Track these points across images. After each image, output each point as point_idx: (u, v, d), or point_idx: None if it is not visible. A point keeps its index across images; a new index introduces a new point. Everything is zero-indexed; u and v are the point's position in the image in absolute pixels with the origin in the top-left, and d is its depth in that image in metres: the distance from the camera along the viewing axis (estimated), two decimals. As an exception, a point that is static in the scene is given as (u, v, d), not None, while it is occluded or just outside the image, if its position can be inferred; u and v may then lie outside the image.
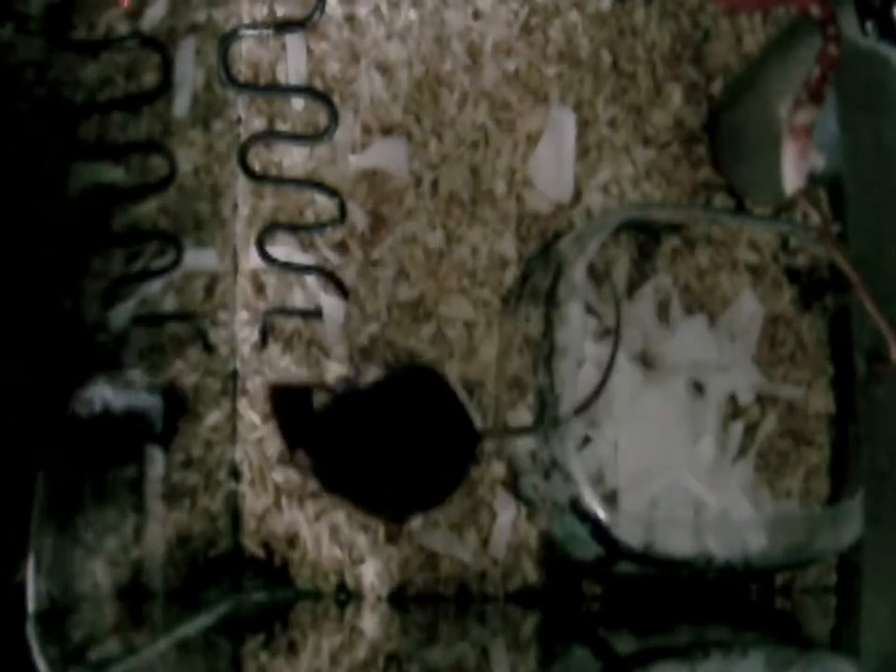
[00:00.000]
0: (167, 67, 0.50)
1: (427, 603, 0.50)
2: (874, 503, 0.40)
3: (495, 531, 0.50)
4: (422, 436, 0.48)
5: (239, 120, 0.52)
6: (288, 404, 0.49)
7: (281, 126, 0.52)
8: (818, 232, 0.47)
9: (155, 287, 0.49)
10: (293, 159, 0.52)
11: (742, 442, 0.50)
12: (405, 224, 0.51)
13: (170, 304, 0.50)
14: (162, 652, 0.42)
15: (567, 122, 0.52)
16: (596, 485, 0.46)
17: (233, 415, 0.51)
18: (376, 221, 0.52)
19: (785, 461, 0.52)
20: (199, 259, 0.50)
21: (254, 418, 0.51)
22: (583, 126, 0.53)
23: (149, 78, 0.50)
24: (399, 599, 0.50)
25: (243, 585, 0.50)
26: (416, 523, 0.50)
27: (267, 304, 0.51)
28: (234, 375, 0.51)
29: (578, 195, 0.53)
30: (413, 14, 0.53)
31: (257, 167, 0.51)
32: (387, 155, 0.52)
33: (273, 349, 0.51)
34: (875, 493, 0.40)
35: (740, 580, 0.51)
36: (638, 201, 0.53)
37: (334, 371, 0.51)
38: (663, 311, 0.50)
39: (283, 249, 0.51)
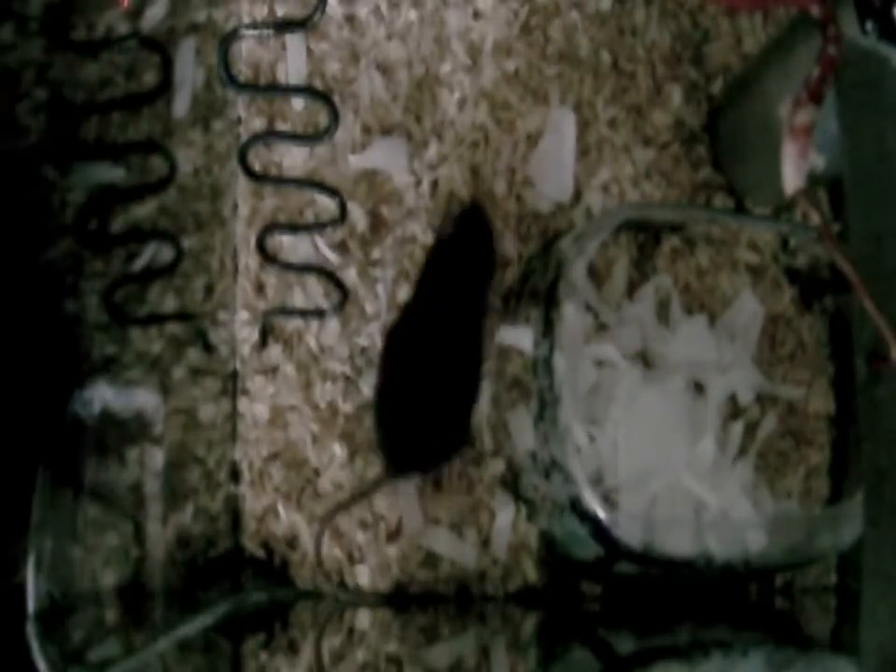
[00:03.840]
0: (167, 67, 0.50)
1: (427, 603, 0.50)
2: (874, 503, 0.40)
3: (495, 531, 0.50)
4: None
5: (239, 120, 0.52)
6: None
7: (281, 126, 0.52)
8: (818, 232, 0.47)
9: (155, 287, 0.49)
10: (293, 159, 0.52)
11: (742, 442, 0.50)
12: (405, 224, 0.51)
13: (170, 304, 0.50)
14: (162, 652, 0.42)
15: (567, 122, 0.52)
16: (596, 485, 0.46)
17: (233, 415, 0.51)
18: (376, 221, 0.52)
19: (785, 461, 0.52)
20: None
21: (254, 418, 0.51)
22: (583, 126, 0.53)
23: (149, 78, 0.50)
24: (399, 599, 0.50)
25: (243, 585, 0.50)
26: (417, 523, 0.50)
27: (267, 304, 0.51)
28: (234, 375, 0.51)
29: (578, 195, 0.53)
30: (412, 14, 0.53)
31: (257, 167, 0.51)
32: (387, 155, 0.52)
33: (273, 349, 0.51)
34: (875, 493, 0.40)
35: (740, 580, 0.51)
36: (638, 201, 0.53)
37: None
38: (663, 311, 0.50)
39: (283, 249, 0.52)
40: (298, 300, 0.51)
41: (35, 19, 0.49)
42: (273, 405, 0.51)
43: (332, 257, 0.51)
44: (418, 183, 0.52)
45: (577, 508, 0.43)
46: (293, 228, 0.51)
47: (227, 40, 0.51)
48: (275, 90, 0.52)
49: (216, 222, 0.51)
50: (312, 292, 0.51)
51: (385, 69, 0.52)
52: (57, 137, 0.49)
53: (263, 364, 0.51)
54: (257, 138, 0.51)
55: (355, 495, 0.49)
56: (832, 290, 0.53)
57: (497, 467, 0.51)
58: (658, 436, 0.47)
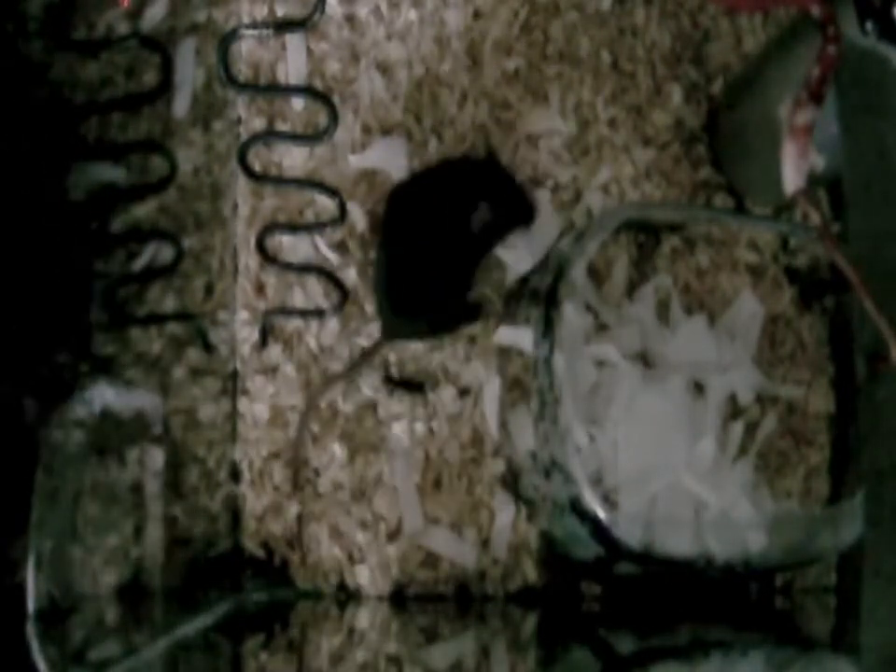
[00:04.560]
0: (167, 67, 0.50)
1: (426, 603, 0.50)
2: (874, 503, 0.40)
3: (495, 531, 0.50)
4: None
5: (239, 120, 0.52)
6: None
7: (281, 126, 0.52)
8: (818, 232, 0.47)
9: (155, 287, 0.49)
10: (293, 159, 0.52)
11: (742, 442, 0.50)
12: (405, 224, 0.51)
13: (170, 304, 0.50)
14: (162, 652, 0.42)
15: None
16: (596, 485, 0.46)
17: (233, 415, 0.51)
18: (376, 221, 0.52)
19: (785, 461, 0.52)
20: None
21: (254, 418, 0.51)
22: (583, 126, 0.53)
23: (149, 78, 0.50)
24: (399, 599, 0.50)
25: (243, 585, 0.50)
26: (417, 523, 0.50)
27: (267, 304, 0.51)
28: (234, 375, 0.51)
29: (578, 195, 0.53)
30: (413, 14, 0.53)
31: (257, 167, 0.51)
32: (387, 155, 0.52)
33: (273, 349, 0.51)
34: (875, 493, 0.40)
35: (740, 580, 0.51)
36: (638, 201, 0.53)
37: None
38: (663, 311, 0.50)
39: (283, 249, 0.51)
40: (298, 300, 0.51)
41: (35, 19, 0.49)
42: (273, 405, 0.51)
43: (332, 257, 0.51)
44: (418, 183, 0.52)
45: (577, 508, 0.43)
46: (293, 228, 0.51)
47: (227, 40, 0.50)
48: (275, 90, 0.52)
49: (216, 222, 0.51)
50: (312, 292, 0.51)
51: (384, 69, 0.52)
52: (57, 137, 0.49)
53: (263, 364, 0.51)
54: (257, 138, 0.51)
55: (351, 366, 0.50)
56: (832, 290, 0.53)
57: (497, 467, 0.51)
58: (658, 436, 0.47)
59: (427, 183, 0.50)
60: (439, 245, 0.48)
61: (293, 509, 0.50)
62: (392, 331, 0.50)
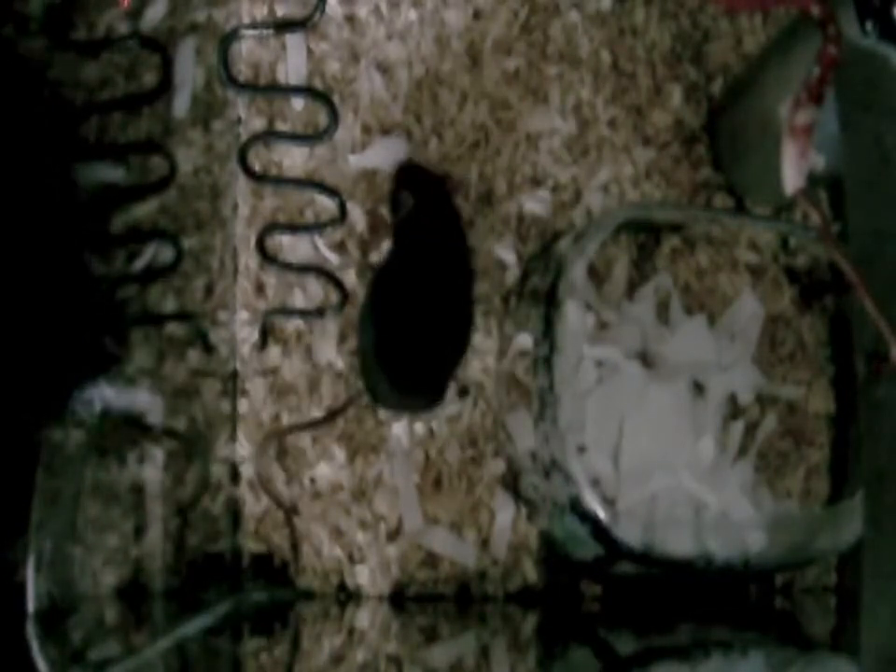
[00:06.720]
0: (167, 67, 0.50)
1: (426, 603, 0.50)
2: (874, 503, 0.40)
3: (495, 531, 0.50)
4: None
5: (239, 120, 0.52)
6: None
7: (281, 126, 0.52)
8: (818, 232, 0.47)
9: (155, 287, 0.49)
10: (293, 159, 0.52)
11: (742, 442, 0.50)
12: (405, 224, 0.51)
13: (170, 304, 0.50)
14: (162, 652, 0.42)
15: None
16: (596, 485, 0.46)
17: (233, 415, 0.51)
18: (376, 221, 0.52)
19: (785, 461, 0.52)
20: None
21: (254, 418, 0.51)
22: (583, 126, 0.53)
23: (149, 78, 0.50)
24: (398, 599, 0.50)
25: (243, 585, 0.50)
26: (417, 523, 0.50)
27: (267, 304, 0.51)
28: (234, 375, 0.51)
29: (578, 195, 0.53)
30: (412, 14, 0.53)
31: (257, 167, 0.51)
32: (387, 155, 0.52)
33: (273, 349, 0.51)
34: (875, 493, 0.40)
35: (740, 580, 0.51)
36: (638, 201, 0.53)
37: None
38: (663, 311, 0.50)
39: (283, 249, 0.51)
40: (298, 300, 0.51)
41: (35, 19, 0.49)
42: (273, 405, 0.51)
43: (332, 257, 0.51)
44: (418, 183, 0.52)
45: (577, 508, 0.43)
46: (293, 228, 0.51)
47: (227, 40, 0.50)
48: (275, 90, 0.52)
49: (216, 222, 0.51)
50: (312, 292, 0.51)
51: (385, 69, 0.52)
52: (57, 137, 0.49)
53: (263, 364, 0.51)
54: (257, 138, 0.51)
55: (324, 415, 0.50)
56: (832, 290, 0.53)
57: (497, 467, 0.51)
58: (658, 436, 0.47)
59: (412, 262, 0.48)
60: (435, 322, 0.47)
61: (292, 509, 0.50)
62: (384, 400, 0.49)
